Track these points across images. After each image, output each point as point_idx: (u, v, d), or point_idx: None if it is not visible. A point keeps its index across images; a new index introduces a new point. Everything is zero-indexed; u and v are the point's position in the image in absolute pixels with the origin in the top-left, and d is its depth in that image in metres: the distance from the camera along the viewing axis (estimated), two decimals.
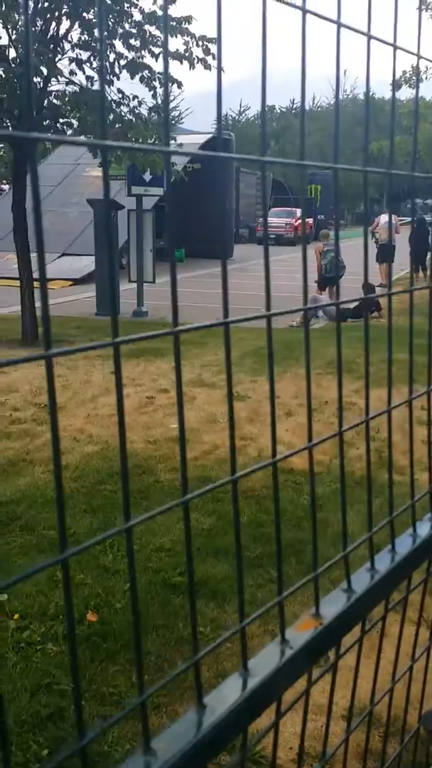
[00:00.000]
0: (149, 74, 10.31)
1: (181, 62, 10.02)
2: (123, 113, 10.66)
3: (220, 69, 0.75)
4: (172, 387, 8.22)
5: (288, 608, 3.59)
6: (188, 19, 9.63)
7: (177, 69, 10.48)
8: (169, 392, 7.94)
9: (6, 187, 24.70)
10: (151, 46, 10.02)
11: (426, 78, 12.13)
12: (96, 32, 9.94)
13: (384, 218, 17.82)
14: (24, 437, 6.31)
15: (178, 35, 9.85)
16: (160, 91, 10.62)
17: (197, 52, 10.05)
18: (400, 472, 4.13)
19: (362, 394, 6.83)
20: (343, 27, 0.89)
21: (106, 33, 9.66)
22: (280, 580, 0.80)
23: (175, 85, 10.67)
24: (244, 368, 8.92)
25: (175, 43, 10.07)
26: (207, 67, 10.12)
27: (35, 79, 9.82)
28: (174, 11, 10.14)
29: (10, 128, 10.51)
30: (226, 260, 0.73)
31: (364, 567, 0.94)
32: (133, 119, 10.59)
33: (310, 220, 38.60)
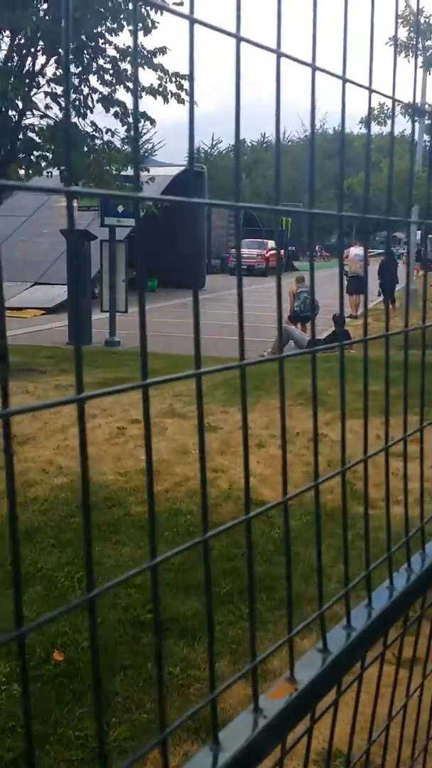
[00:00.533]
0: (122, 110, 10.40)
1: (155, 97, 10.13)
2: (96, 145, 10.71)
3: (192, 104, 0.73)
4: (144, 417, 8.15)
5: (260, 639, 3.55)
6: (162, 50, 9.75)
7: (151, 102, 10.59)
8: (140, 423, 7.87)
9: None
10: (126, 82, 10.11)
11: (396, 114, 12.32)
12: (72, 67, 10.01)
13: (354, 250, 17.99)
14: None
15: (151, 70, 9.96)
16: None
17: (171, 87, 10.17)
18: (372, 505, 4.11)
19: (333, 426, 6.84)
20: (318, 70, 0.88)
21: (80, 68, 9.76)
22: (253, 646, 0.76)
23: (148, 122, 10.77)
24: (215, 399, 8.89)
25: (149, 78, 10.18)
26: (180, 101, 10.23)
27: (10, 113, 9.86)
28: (148, 44, 10.26)
29: None
30: (198, 308, 0.70)
31: (340, 625, 0.91)
32: (107, 151, 10.64)
33: (282, 252, 38.94)
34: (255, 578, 3.23)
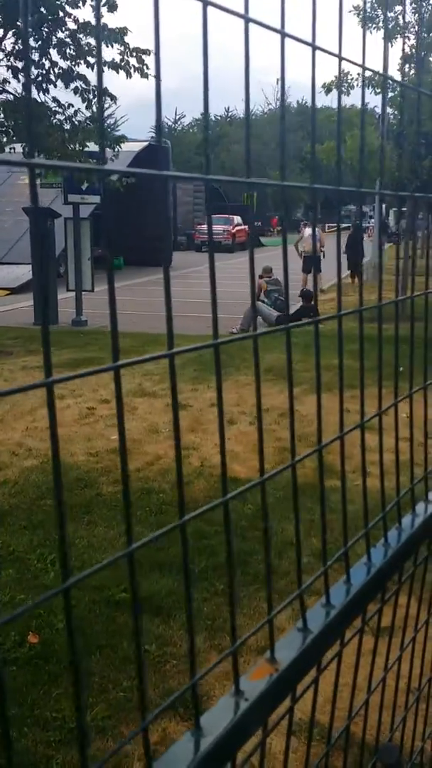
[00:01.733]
0: (84, 85, 10.22)
1: (117, 71, 9.97)
2: (59, 121, 10.51)
3: (158, 80, 0.70)
4: (113, 397, 8.10)
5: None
6: (123, 31, 9.57)
7: (113, 78, 10.41)
8: (109, 402, 7.82)
9: None
10: (87, 56, 9.92)
11: (357, 85, 12.33)
12: (31, 41, 9.78)
13: (308, 231, 17.89)
14: None
15: (115, 45, 9.77)
16: (94, 102, 10.53)
17: (132, 61, 10.00)
18: (338, 478, 4.13)
19: (301, 400, 6.85)
20: (287, 37, 0.84)
21: (39, 42, 9.54)
22: (234, 630, 0.75)
23: (109, 98, 10.59)
24: (185, 377, 8.86)
25: (111, 53, 10.00)
26: (144, 75, 10.08)
27: None
28: (110, 21, 10.07)
29: None
30: (169, 286, 0.68)
31: (318, 603, 0.90)
32: (70, 126, 10.46)
33: (247, 227, 38.83)
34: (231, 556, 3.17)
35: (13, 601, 3.83)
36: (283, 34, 0.82)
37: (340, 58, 1.02)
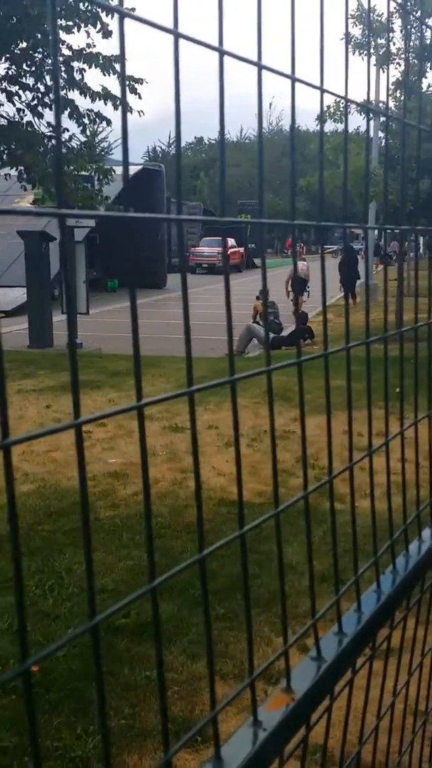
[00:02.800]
0: (75, 111, 10.36)
1: (105, 102, 10.14)
2: (53, 146, 10.61)
3: (179, 117, 0.72)
4: (110, 421, 8.11)
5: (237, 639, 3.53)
6: (119, 59, 9.69)
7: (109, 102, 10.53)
8: (105, 426, 7.82)
9: None
10: (78, 83, 10.07)
11: (351, 112, 12.45)
12: (24, 66, 9.91)
13: (300, 264, 18.22)
14: None
15: (105, 73, 9.93)
16: (89, 126, 10.69)
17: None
18: (340, 500, 4.14)
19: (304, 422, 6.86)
20: (264, 69, 0.85)
21: (33, 68, 9.66)
22: (251, 661, 0.76)
23: (104, 122, 10.73)
24: (182, 399, 8.85)
25: (102, 81, 10.15)
26: (129, 110, 10.25)
27: None
28: (105, 49, 10.21)
29: None
30: (189, 328, 0.69)
31: (331, 631, 0.91)
32: (66, 151, 10.56)
33: (241, 249, 39.09)
34: (228, 580, 3.24)
35: (12, 628, 3.80)
36: (260, 67, 0.82)
37: (322, 91, 1.03)
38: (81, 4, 9.53)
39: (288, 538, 4.60)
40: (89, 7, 9.72)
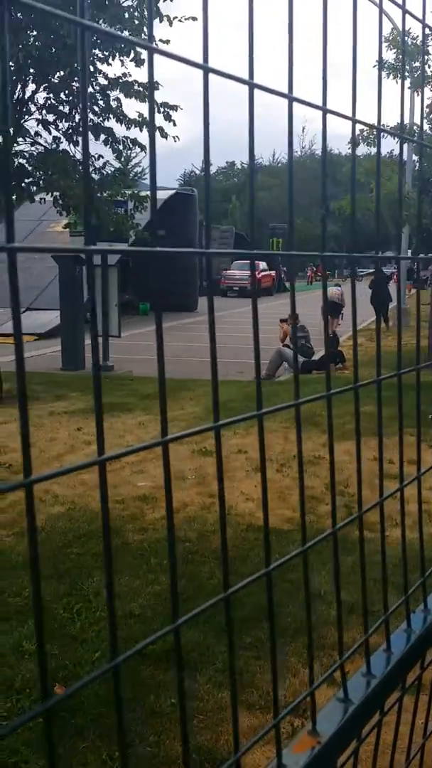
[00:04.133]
0: (111, 138, 10.52)
1: (141, 129, 10.28)
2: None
3: (207, 153, 0.72)
4: (140, 443, 8.12)
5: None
6: (155, 86, 9.85)
7: (139, 132, 10.67)
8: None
9: None
10: (115, 111, 10.24)
11: (384, 136, 12.45)
12: (62, 95, 10.10)
13: (335, 289, 18.85)
14: None
15: (140, 101, 10.09)
16: (124, 152, 10.86)
17: (158, 119, 10.32)
18: (369, 529, 4.09)
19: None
20: (296, 101, 0.85)
21: (71, 97, 9.84)
22: (276, 703, 0.74)
23: (137, 147, 10.88)
24: (210, 422, 8.85)
25: (138, 107, 10.31)
26: (164, 135, 10.39)
27: None
28: (139, 76, 10.38)
29: None
30: (216, 375, 0.69)
31: (359, 672, 0.89)
32: (100, 177, 10.74)
33: (273, 272, 39.20)
34: (255, 608, 3.20)
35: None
36: (291, 99, 0.82)
37: (354, 121, 1.02)
38: (148, 13, 9.70)
39: (316, 567, 4.54)
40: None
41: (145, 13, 9.85)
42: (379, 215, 1.24)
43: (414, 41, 13.99)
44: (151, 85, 0.70)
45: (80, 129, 10.37)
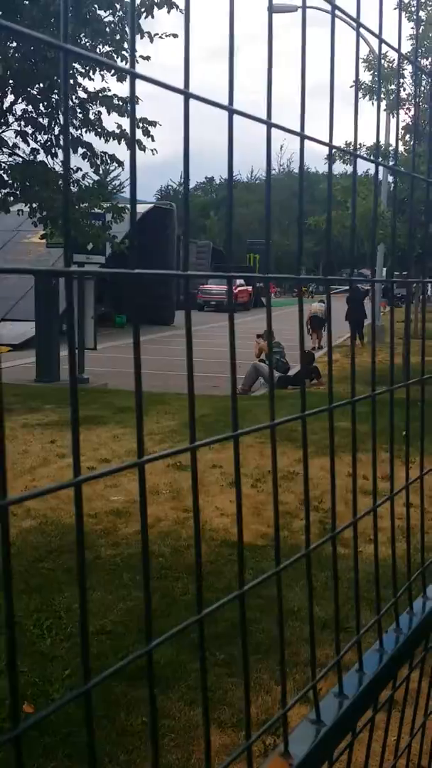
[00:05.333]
0: (90, 152, 10.54)
1: (119, 142, 10.31)
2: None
3: (187, 173, 0.72)
4: (114, 457, 8.07)
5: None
6: (135, 100, 9.88)
7: (117, 145, 10.71)
8: (109, 462, 7.79)
9: None
10: (94, 125, 10.27)
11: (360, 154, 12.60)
12: (41, 106, 10.09)
13: (315, 305, 19.92)
14: None
15: (118, 114, 10.13)
16: (102, 166, 10.88)
17: (137, 133, 10.38)
18: (343, 545, 4.09)
19: (309, 463, 6.80)
20: (274, 127, 0.85)
21: (50, 109, 9.84)
22: (248, 726, 0.73)
23: (115, 163, 10.90)
24: (185, 436, 8.83)
25: (117, 120, 10.34)
26: (142, 148, 10.44)
27: None
28: (119, 90, 10.41)
29: None
30: (193, 398, 0.69)
31: (331, 692, 0.88)
32: (78, 189, 10.73)
33: (249, 288, 39.34)
34: (228, 624, 3.18)
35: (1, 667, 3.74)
36: (269, 125, 0.82)
37: (330, 147, 1.03)
38: (100, 48, 9.75)
39: (290, 583, 4.54)
40: (105, 53, 9.93)
41: (126, 28, 9.91)
42: (354, 237, 1.24)
43: (390, 64, 14.20)
44: (133, 109, 0.70)
45: (59, 141, 10.40)
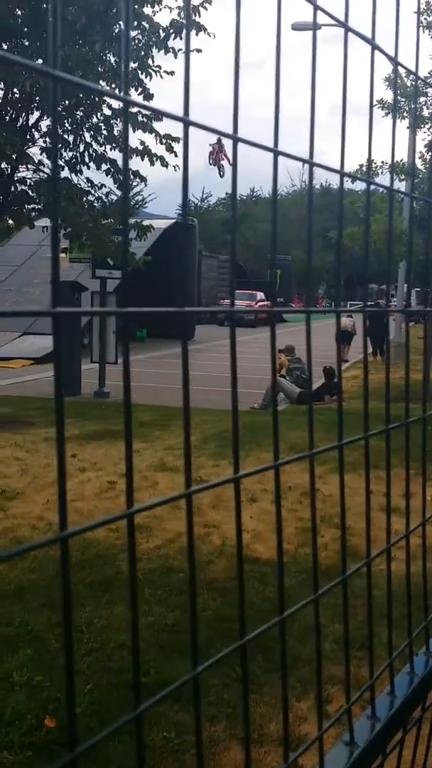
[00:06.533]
0: (113, 168, 10.67)
1: (142, 158, 10.43)
2: (89, 202, 10.92)
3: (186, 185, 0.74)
4: (134, 472, 8.08)
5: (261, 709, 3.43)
6: (158, 117, 9.99)
7: (140, 161, 10.83)
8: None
9: None
10: (118, 141, 10.40)
11: (381, 173, 12.65)
12: (66, 123, 10.24)
13: (346, 320, 20.62)
14: None
15: (144, 131, 10.25)
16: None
17: (160, 149, 10.52)
18: (362, 558, 4.07)
19: (326, 479, 6.81)
20: (281, 155, 0.84)
21: (74, 126, 9.97)
22: (286, 749, 0.75)
23: (138, 179, 11.02)
24: (206, 452, 8.86)
25: (141, 137, 10.45)
26: (164, 165, 10.53)
27: (2, 165, 10.02)
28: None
29: None
30: (188, 428, 0.71)
31: (364, 715, 0.90)
32: (102, 206, 10.87)
33: (268, 303, 39.45)
34: (250, 639, 3.13)
35: (30, 682, 3.76)
36: (276, 153, 0.82)
37: (342, 174, 1.03)
38: (122, 66, 9.88)
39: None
40: (130, 69, 10.06)
41: (151, 44, 10.05)
42: (367, 259, 1.27)
43: (413, 83, 14.23)
44: (125, 137, 0.71)
45: (84, 158, 10.54)
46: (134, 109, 10.42)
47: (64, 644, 0.56)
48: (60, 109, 10.16)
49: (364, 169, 13.71)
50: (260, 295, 37.26)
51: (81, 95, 9.60)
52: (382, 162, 11.86)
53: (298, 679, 3.85)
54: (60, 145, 10.43)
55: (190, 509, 0.61)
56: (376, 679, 0.89)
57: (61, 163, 10.59)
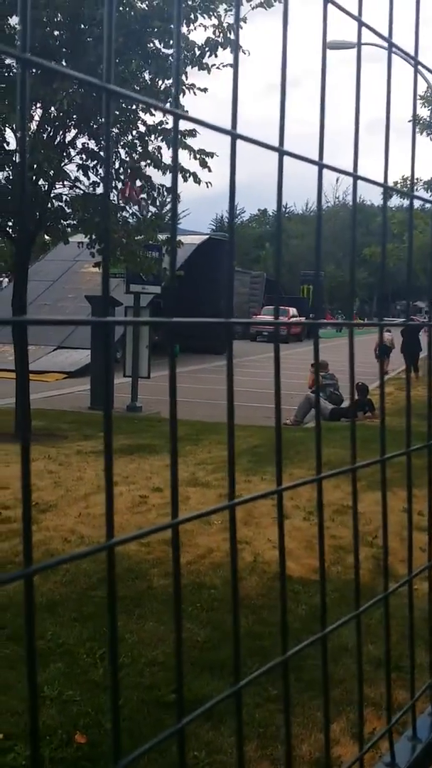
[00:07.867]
0: (148, 184, 10.76)
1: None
2: (123, 218, 11.03)
3: (233, 210, 0.73)
4: (166, 486, 8.10)
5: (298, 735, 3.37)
6: (192, 133, 10.06)
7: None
8: (162, 491, 7.81)
9: (6, 280, 25.23)
10: (154, 157, 10.50)
11: (417, 189, 12.60)
12: (101, 140, 10.36)
13: (386, 335, 21.16)
14: (13, 537, 6.13)
15: (180, 148, 10.32)
16: (158, 198, 11.10)
17: (193, 164, 10.58)
18: (398, 579, 4.00)
19: (360, 497, 6.72)
20: (326, 168, 0.83)
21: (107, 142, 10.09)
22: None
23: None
24: (238, 467, 8.79)
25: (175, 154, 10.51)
26: (197, 181, 10.59)
27: (40, 182, 10.16)
28: (180, 124, 10.61)
29: (10, 228, 10.85)
30: (233, 450, 0.69)
31: (404, 736, 0.87)
32: (136, 221, 10.97)
33: (303, 318, 39.35)
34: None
35: (60, 696, 3.75)
36: (321, 166, 0.81)
37: (385, 188, 1.01)
38: (161, 83, 10.01)
39: (339, 618, 4.45)
40: (162, 87, 10.18)
41: (186, 61, 10.13)
42: (411, 273, 1.24)
43: None
44: (175, 149, 0.71)
45: (119, 175, 10.65)
46: (169, 125, 10.52)
47: (110, 649, 0.54)
48: (95, 126, 10.30)
49: (400, 185, 13.65)
50: (293, 310, 37.20)
51: (117, 112, 9.71)
52: (417, 179, 11.80)
53: (331, 700, 3.78)
54: (95, 162, 10.55)
55: (233, 520, 0.59)
56: (417, 699, 0.86)
57: (96, 178, 10.71)
